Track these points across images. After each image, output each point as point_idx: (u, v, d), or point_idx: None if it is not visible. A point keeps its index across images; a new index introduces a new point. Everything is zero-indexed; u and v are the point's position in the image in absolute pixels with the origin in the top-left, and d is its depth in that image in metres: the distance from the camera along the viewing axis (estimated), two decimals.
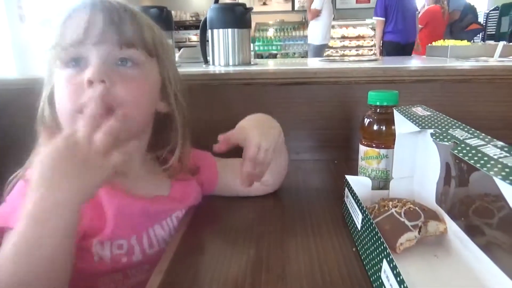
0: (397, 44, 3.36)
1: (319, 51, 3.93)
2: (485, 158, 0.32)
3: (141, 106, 0.54)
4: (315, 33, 3.88)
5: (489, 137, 0.37)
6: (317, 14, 3.75)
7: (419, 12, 3.50)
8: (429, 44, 1.67)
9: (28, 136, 0.67)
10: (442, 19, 3.50)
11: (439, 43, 1.57)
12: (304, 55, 5.95)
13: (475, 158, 0.33)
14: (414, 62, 1.23)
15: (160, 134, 0.62)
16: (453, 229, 0.49)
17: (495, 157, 0.32)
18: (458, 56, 1.29)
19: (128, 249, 0.54)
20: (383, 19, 3.37)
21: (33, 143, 0.56)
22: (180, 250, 0.52)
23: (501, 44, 1.20)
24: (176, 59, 1.38)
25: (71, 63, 0.51)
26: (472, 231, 0.47)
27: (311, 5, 3.77)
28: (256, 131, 0.58)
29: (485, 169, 0.30)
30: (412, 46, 3.36)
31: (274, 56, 5.88)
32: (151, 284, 0.45)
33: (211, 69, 1.04)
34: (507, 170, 0.29)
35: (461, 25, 3.62)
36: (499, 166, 0.30)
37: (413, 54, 3.32)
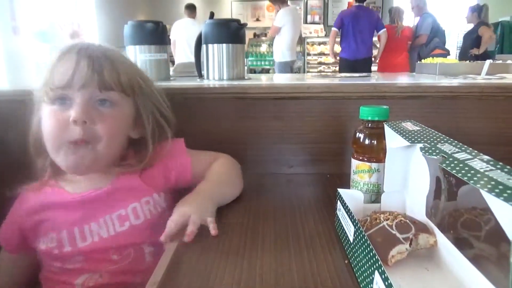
0: (346, 60, 3.70)
1: (282, 68, 4.00)
2: (472, 172, 0.33)
3: (115, 139, 0.66)
4: (276, 50, 3.99)
5: (475, 151, 0.39)
6: (276, 31, 3.85)
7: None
8: (418, 62, 1.71)
9: (20, 147, 0.69)
10: (394, 36, 3.73)
11: (428, 60, 1.61)
12: (297, 71, 6.03)
13: (463, 171, 0.34)
14: (404, 79, 1.26)
15: (132, 150, 0.72)
16: (443, 242, 0.49)
17: (482, 170, 0.33)
18: (446, 73, 1.32)
19: (57, 241, 0.66)
20: (336, 30, 3.71)
21: (25, 155, 0.67)
22: (173, 262, 0.52)
23: (488, 62, 1.23)
24: (171, 73, 1.39)
25: (57, 101, 0.62)
26: (461, 244, 0.48)
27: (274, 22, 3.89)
28: (188, 206, 0.63)
29: (472, 182, 0.32)
30: (360, 62, 3.61)
31: (267, 71, 5.95)
32: None
33: (205, 83, 1.05)
34: (492, 183, 0.30)
35: (427, 49, 3.71)
36: (485, 179, 0.31)
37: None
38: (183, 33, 3.93)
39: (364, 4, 3.70)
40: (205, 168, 0.74)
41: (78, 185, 0.68)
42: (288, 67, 4.00)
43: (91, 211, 0.67)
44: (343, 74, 1.58)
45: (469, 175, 0.33)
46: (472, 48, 3.85)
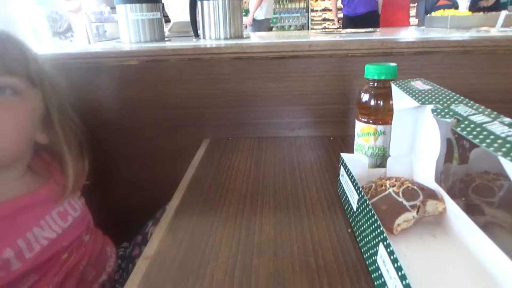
0: (346, 17, 3.54)
1: (258, 26, 3.83)
2: (492, 137, 0.30)
3: (11, 134, 0.54)
4: (251, 7, 3.81)
5: (495, 113, 0.34)
6: None
7: None
8: (428, 15, 1.62)
9: None
10: None
11: (439, 13, 1.52)
12: (301, 28, 5.83)
13: (480, 136, 0.31)
14: (413, 34, 1.18)
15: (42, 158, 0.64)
16: (452, 208, 0.47)
17: (503, 135, 0.29)
18: (458, 26, 1.24)
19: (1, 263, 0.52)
20: None
21: None
22: (168, 233, 0.50)
23: (503, 13, 1.15)
24: (166, 33, 1.33)
25: None
26: (471, 210, 0.45)
27: None
28: None
29: (492, 149, 0.28)
30: (363, 18, 3.39)
31: (270, 29, 5.76)
32: (138, 267, 0.43)
33: (201, 43, 1.00)
34: None
35: (431, 1, 3.52)
36: (508, 145, 0.27)
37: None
38: None
39: None
40: None
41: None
42: (264, 27, 3.82)
43: (27, 216, 0.57)
44: (348, 30, 1.50)
45: (488, 141, 0.29)
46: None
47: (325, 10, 5.87)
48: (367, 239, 0.41)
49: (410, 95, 0.48)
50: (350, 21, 3.50)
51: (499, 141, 0.28)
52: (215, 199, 0.59)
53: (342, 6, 3.63)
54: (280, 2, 5.87)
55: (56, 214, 0.61)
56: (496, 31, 1.04)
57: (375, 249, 0.38)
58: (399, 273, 0.32)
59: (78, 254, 0.63)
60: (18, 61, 0.55)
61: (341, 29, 2.48)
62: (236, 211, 0.55)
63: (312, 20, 5.89)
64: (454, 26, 1.26)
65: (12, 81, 0.54)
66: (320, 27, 5.88)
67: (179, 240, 0.48)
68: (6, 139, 0.54)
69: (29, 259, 0.54)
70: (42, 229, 0.57)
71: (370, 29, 1.38)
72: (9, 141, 0.54)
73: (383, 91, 0.58)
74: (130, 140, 0.92)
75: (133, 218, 0.81)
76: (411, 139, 0.54)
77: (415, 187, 0.47)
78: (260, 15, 3.77)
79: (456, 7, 3.62)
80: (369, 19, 3.39)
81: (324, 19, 5.87)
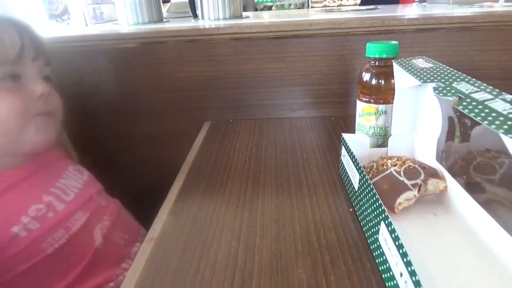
0: None
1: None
2: (494, 114, 0.29)
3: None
4: None
5: (497, 90, 0.34)
6: None
7: None
8: None
9: None
10: None
11: None
12: (301, 7, 5.73)
13: (482, 114, 0.30)
14: (414, 10, 1.16)
15: None
16: (453, 187, 0.47)
17: (505, 112, 0.29)
18: (461, 2, 1.22)
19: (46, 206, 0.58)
20: None
21: None
22: (171, 215, 0.51)
23: None
24: (164, 14, 1.31)
25: (8, 78, 0.55)
26: (472, 188, 0.45)
27: None
28: None
29: (493, 126, 0.28)
30: None
31: (269, 9, 5.66)
32: (142, 249, 0.44)
33: (200, 23, 0.98)
34: None
35: None
36: (510, 123, 0.27)
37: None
38: None
39: None
40: None
41: (18, 161, 0.60)
42: (247, 7, 3.68)
43: (51, 170, 0.65)
44: (349, 8, 1.47)
45: (490, 118, 0.29)
46: None
47: None
48: (369, 218, 0.41)
49: (412, 74, 0.48)
50: None
51: (501, 118, 0.28)
52: (217, 181, 0.59)
53: None
54: None
55: (73, 169, 0.68)
56: (499, 6, 1.02)
57: (376, 228, 0.39)
58: (400, 251, 0.32)
59: (95, 215, 0.65)
60: (48, 51, 0.61)
61: (341, 7, 2.43)
62: (238, 193, 0.55)
63: None
64: (457, 1, 1.23)
65: (48, 70, 0.62)
66: (320, 5, 5.77)
67: (182, 222, 0.49)
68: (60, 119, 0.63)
69: (69, 201, 0.61)
70: (67, 180, 0.65)
71: (371, 7, 1.36)
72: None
73: (384, 70, 0.57)
74: (129, 124, 0.92)
75: (134, 201, 0.82)
76: (413, 118, 0.54)
77: (416, 166, 0.47)
78: None
79: None
80: None
81: None
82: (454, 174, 0.47)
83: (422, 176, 0.46)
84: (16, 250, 0.52)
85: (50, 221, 0.56)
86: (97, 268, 0.60)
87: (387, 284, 0.35)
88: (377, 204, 0.39)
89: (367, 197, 0.42)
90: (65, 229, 0.58)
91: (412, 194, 0.45)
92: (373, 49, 0.57)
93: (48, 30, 1.13)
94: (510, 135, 0.26)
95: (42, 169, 0.63)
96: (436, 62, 0.50)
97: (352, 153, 0.50)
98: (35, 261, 0.54)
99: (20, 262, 0.53)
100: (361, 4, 3.56)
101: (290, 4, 5.78)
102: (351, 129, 0.65)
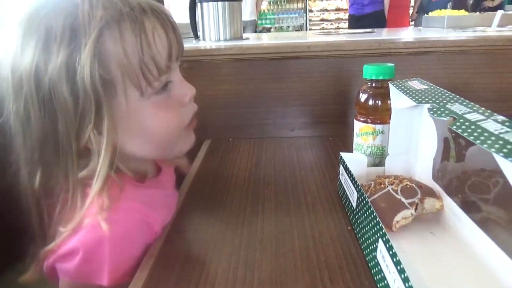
0: (352, 16, 3.49)
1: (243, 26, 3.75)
2: (485, 134, 0.31)
3: None
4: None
5: (489, 111, 0.36)
6: None
7: None
8: (425, 15, 1.63)
9: None
10: None
11: (436, 13, 1.53)
12: (299, 29, 5.85)
13: (475, 134, 0.32)
14: (410, 34, 1.19)
15: None
16: (450, 206, 0.48)
17: (496, 132, 0.30)
18: (455, 26, 1.26)
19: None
20: None
21: None
22: (172, 231, 0.51)
23: (499, 13, 1.16)
24: None
25: (162, 89, 0.46)
26: (468, 207, 0.46)
27: None
28: None
29: (485, 145, 0.29)
30: (369, 18, 3.35)
31: (268, 30, 5.77)
32: (143, 265, 0.44)
33: (201, 44, 1.01)
34: (509, 146, 0.28)
35: None
36: (501, 142, 0.29)
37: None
38: None
39: None
40: None
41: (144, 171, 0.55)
42: (249, 29, 3.73)
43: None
44: (346, 31, 1.51)
45: (482, 138, 0.30)
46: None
47: (322, 10, 5.88)
48: (367, 235, 0.42)
49: (408, 95, 0.49)
50: (356, 21, 3.45)
51: (493, 138, 0.30)
52: (217, 198, 0.60)
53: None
54: (279, 3, 5.88)
55: None
56: (492, 31, 1.05)
57: (374, 245, 0.39)
58: (398, 267, 0.33)
59: None
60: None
61: (339, 29, 2.49)
62: (238, 209, 0.56)
63: (310, 20, 5.90)
64: (451, 26, 1.27)
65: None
66: (318, 27, 5.90)
67: (182, 237, 0.49)
68: None
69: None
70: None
71: (368, 30, 1.40)
72: None
73: (381, 91, 0.59)
74: None
75: None
76: (409, 138, 0.55)
77: (413, 185, 0.48)
78: (244, 15, 3.71)
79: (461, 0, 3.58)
80: (376, 19, 3.36)
81: (322, 20, 5.88)
82: (450, 193, 0.48)
83: (419, 195, 0.47)
84: None
85: None
86: None
87: None
88: (375, 221, 0.40)
89: (365, 214, 0.43)
90: None
91: (409, 212, 0.46)
92: (370, 71, 0.59)
93: None
94: (501, 154, 0.27)
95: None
96: (431, 84, 0.52)
97: (350, 171, 0.51)
98: None
99: None
100: (349, 28, 3.64)
101: (288, 26, 5.91)
102: (349, 149, 0.66)
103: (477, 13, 1.49)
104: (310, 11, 5.89)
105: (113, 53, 0.41)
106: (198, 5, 1.08)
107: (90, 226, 0.42)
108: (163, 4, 1.09)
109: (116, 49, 0.41)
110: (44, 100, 0.40)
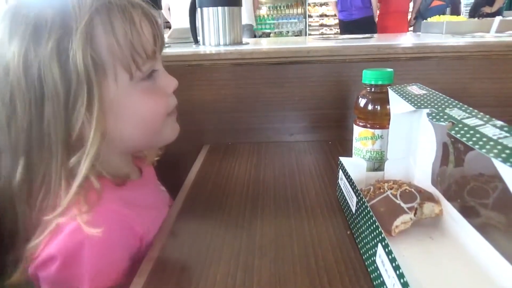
0: (341, 22, 3.55)
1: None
2: (484, 139, 0.31)
3: None
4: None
5: (487, 116, 0.36)
6: None
7: None
8: (424, 21, 1.64)
9: None
10: None
11: (434, 19, 1.54)
12: (298, 34, 5.87)
13: (474, 139, 0.32)
14: (409, 39, 1.20)
15: None
16: (449, 211, 0.48)
17: (495, 137, 0.30)
18: (454, 32, 1.26)
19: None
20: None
21: None
22: (171, 235, 0.51)
23: (498, 19, 1.17)
24: (166, 39, 1.34)
25: (147, 77, 0.49)
26: (467, 212, 0.46)
27: None
28: None
29: (484, 150, 0.29)
30: (359, 24, 3.37)
31: (268, 35, 5.80)
32: (141, 270, 0.44)
33: (201, 49, 1.01)
34: (507, 151, 0.28)
35: (426, 2, 3.52)
36: (499, 147, 0.29)
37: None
38: None
39: None
40: None
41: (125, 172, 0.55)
42: (246, 34, 3.72)
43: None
44: (345, 36, 1.52)
45: (480, 143, 0.31)
46: (484, 5, 3.65)
47: (322, 16, 5.91)
48: (366, 240, 0.42)
49: (407, 100, 0.49)
50: (345, 26, 3.50)
51: (491, 143, 0.30)
52: (216, 203, 0.60)
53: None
54: (278, 8, 5.92)
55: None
56: (490, 37, 1.06)
57: (373, 250, 0.39)
58: (397, 272, 0.33)
59: None
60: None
61: (338, 35, 2.50)
62: (237, 214, 0.56)
63: (309, 25, 5.93)
64: (450, 31, 1.28)
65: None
66: (317, 32, 5.92)
67: (181, 242, 0.49)
68: None
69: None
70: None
71: (367, 35, 1.40)
72: None
73: (380, 96, 0.59)
74: None
75: None
76: (408, 143, 0.56)
77: (412, 190, 0.48)
78: (243, 19, 3.66)
79: (454, 6, 3.59)
80: (365, 24, 3.40)
81: (322, 25, 5.91)
82: (449, 198, 0.48)
83: (418, 200, 0.47)
84: None
85: None
86: None
87: None
88: (374, 226, 0.40)
89: (365, 219, 0.43)
90: None
91: (408, 217, 0.46)
92: (369, 76, 0.59)
93: None
94: (500, 159, 0.27)
95: None
96: (430, 89, 0.52)
97: (349, 176, 0.51)
98: None
99: None
100: (340, 33, 3.65)
101: (288, 31, 5.93)
102: (348, 153, 0.67)
103: (476, 19, 1.50)
104: (310, 16, 5.92)
105: (104, 37, 0.43)
106: (198, 10, 1.09)
107: (68, 231, 0.42)
108: (161, 7, 1.09)
109: (107, 33, 0.43)
110: (34, 86, 0.40)
